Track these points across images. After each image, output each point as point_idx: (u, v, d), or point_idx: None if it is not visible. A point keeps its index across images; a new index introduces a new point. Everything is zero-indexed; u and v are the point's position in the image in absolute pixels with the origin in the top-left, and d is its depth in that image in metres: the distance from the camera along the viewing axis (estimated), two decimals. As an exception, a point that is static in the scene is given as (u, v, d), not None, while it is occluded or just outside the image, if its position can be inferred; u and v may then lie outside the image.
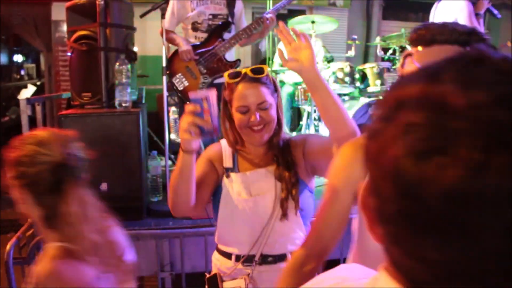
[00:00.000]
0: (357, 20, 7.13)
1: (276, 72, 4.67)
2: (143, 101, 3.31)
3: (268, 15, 3.40)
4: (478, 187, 0.37)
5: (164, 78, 3.05)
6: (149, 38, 5.28)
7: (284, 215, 1.54)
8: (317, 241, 1.18)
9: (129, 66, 2.81)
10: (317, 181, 1.74)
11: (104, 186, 2.69)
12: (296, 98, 4.45)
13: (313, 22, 4.36)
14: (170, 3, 3.41)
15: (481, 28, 3.87)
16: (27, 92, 8.09)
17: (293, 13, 5.68)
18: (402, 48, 4.70)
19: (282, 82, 4.79)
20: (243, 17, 3.63)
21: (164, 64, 3.07)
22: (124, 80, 2.78)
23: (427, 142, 0.40)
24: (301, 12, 6.23)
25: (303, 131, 4.40)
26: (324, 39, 6.13)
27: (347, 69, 4.21)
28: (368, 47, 7.13)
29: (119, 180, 2.73)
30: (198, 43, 3.43)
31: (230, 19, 3.49)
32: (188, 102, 1.45)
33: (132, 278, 1.45)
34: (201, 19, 3.44)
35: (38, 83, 9.98)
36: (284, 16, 5.79)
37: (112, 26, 2.92)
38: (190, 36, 3.48)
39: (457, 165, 0.38)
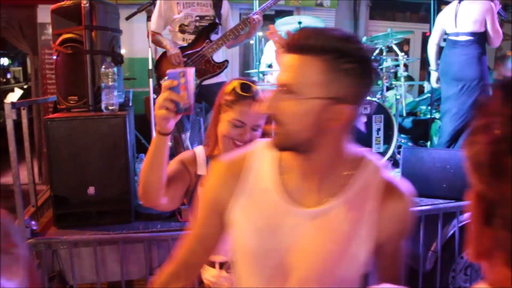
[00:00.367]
0: (345, 20, 7.17)
1: (263, 73, 4.67)
2: (130, 104, 3.29)
3: (255, 16, 3.41)
4: None
5: (151, 80, 3.04)
6: (136, 40, 5.26)
7: None
8: (181, 264, 1.14)
9: (115, 68, 2.80)
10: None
11: (91, 190, 2.68)
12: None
13: (300, 23, 4.37)
14: (157, 4, 3.40)
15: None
16: (14, 95, 8.03)
17: (280, 13, 5.68)
18: (389, 48, 4.72)
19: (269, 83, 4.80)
20: (230, 18, 3.63)
21: (150, 67, 3.06)
22: (110, 83, 2.76)
23: None
24: (289, 13, 6.23)
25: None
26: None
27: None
28: (355, 47, 7.16)
29: (106, 183, 2.71)
30: (185, 45, 3.43)
31: (217, 20, 3.49)
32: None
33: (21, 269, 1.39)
34: (188, 21, 3.44)
35: (25, 86, 9.91)
36: (271, 16, 5.80)
37: (98, 28, 2.90)
38: (178, 39, 3.48)
39: None
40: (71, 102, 2.91)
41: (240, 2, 6.04)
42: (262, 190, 1.04)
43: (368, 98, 4.23)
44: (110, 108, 2.78)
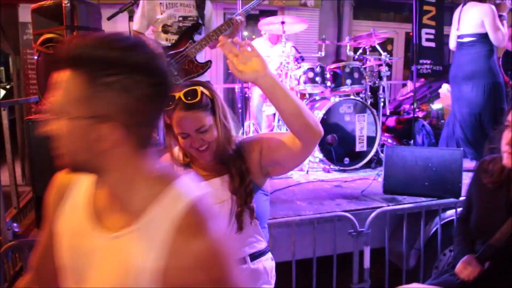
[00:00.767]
0: (329, 20, 7.21)
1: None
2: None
3: (238, 17, 3.42)
4: None
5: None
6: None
7: (240, 228, 1.55)
8: (35, 272, 1.11)
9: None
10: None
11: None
12: (267, 100, 4.45)
13: (283, 22, 4.39)
14: (140, 4, 3.39)
15: (505, 29, 3.96)
16: (-4, 96, 7.92)
17: (264, 13, 5.69)
18: (372, 48, 4.76)
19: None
20: (213, 19, 3.63)
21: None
22: (92, 83, 2.75)
23: None
24: (273, 13, 6.24)
25: (275, 131, 4.42)
26: (296, 39, 6.18)
27: (318, 69, 4.25)
28: (339, 47, 7.21)
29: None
30: (169, 45, 3.42)
31: (200, 21, 3.49)
32: None
33: None
34: (171, 21, 3.43)
35: (8, 86, 9.78)
36: (255, 16, 5.81)
37: (79, 28, 2.88)
38: (161, 39, 3.46)
39: None
40: (53, 102, 2.88)
41: (224, 1, 6.03)
42: (74, 206, 1.00)
43: (352, 97, 4.28)
44: (92, 108, 2.76)
